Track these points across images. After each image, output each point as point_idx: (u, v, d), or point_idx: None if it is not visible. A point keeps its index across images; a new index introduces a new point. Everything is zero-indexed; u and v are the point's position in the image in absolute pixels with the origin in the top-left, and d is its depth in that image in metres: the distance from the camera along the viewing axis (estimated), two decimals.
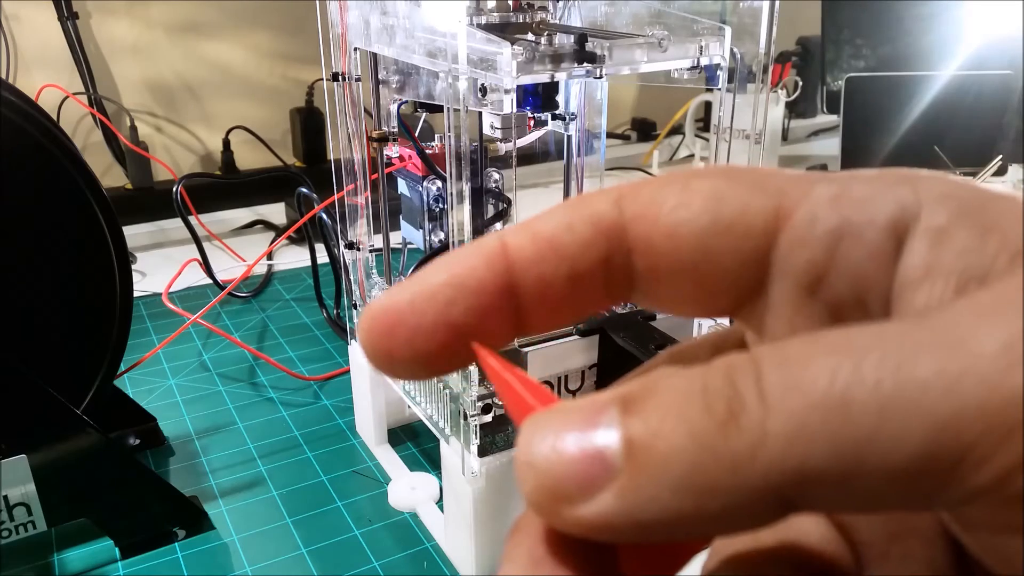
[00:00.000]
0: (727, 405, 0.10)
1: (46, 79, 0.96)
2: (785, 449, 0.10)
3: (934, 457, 0.09)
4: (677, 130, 1.39)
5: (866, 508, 0.10)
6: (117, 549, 0.50)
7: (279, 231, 1.03)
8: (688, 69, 0.44)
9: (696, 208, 0.13)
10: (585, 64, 0.41)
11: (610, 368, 0.48)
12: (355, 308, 0.57)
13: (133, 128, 1.03)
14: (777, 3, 0.43)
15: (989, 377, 0.09)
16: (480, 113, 0.49)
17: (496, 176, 0.56)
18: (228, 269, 0.90)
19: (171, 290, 0.84)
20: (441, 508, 0.52)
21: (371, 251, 0.56)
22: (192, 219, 0.85)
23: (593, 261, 0.13)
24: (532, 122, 0.53)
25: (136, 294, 0.61)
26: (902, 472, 0.10)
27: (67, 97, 0.95)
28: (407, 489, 0.54)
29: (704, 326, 0.51)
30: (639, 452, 0.11)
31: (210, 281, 0.85)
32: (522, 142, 0.52)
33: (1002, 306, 0.10)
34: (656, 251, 0.13)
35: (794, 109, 1.42)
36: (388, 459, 0.59)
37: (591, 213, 0.13)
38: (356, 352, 0.58)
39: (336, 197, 0.55)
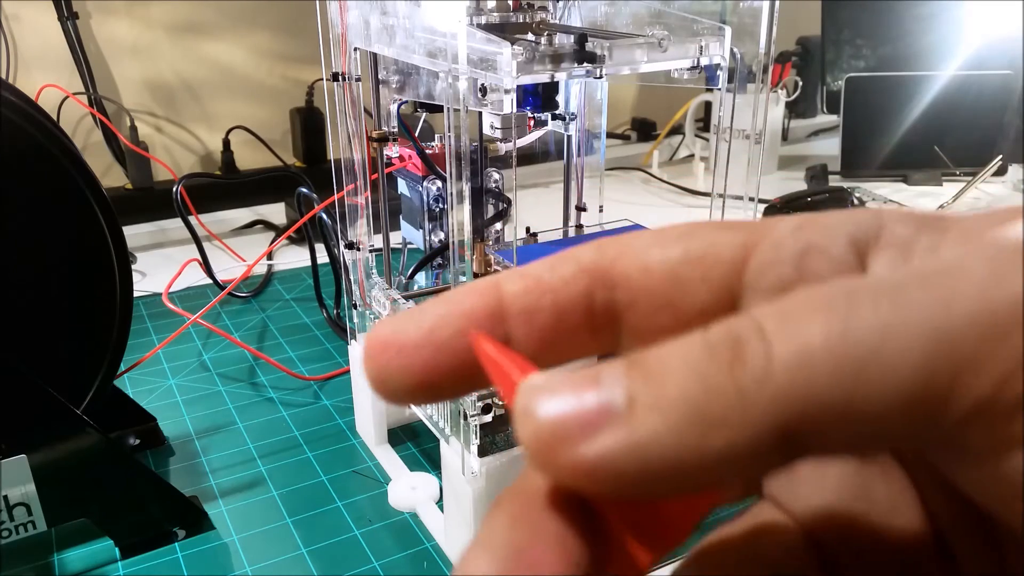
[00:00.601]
0: (731, 348, 0.11)
1: (46, 79, 0.96)
2: (790, 377, 0.10)
3: (935, 370, 0.10)
4: (677, 130, 1.39)
5: (868, 441, 0.10)
6: (117, 549, 0.50)
7: (279, 231, 1.03)
8: (688, 69, 0.44)
9: (668, 245, 0.14)
10: (585, 64, 0.41)
11: None
12: (355, 308, 0.57)
13: (133, 128, 1.03)
14: (777, 3, 0.43)
15: (981, 287, 0.10)
16: (480, 113, 0.49)
17: (496, 176, 0.56)
18: (228, 269, 0.90)
19: (171, 290, 0.84)
20: (441, 508, 0.52)
21: (371, 251, 0.56)
22: (192, 219, 0.85)
23: (576, 294, 0.14)
24: (532, 122, 0.53)
25: (136, 294, 0.61)
26: (905, 389, 0.10)
27: (67, 97, 0.95)
28: (407, 489, 0.54)
29: None
30: (642, 395, 0.11)
31: (210, 281, 0.85)
32: (522, 142, 0.52)
33: (980, 246, 0.11)
34: (633, 285, 0.14)
35: (794, 109, 1.42)
36: (388, 459, 0.59)
37: (574, 256, 0.14)
38: (356, 352, 0.58)
39: (336, 197, 0.55)
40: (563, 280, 0.14)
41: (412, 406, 0.51)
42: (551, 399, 0.11)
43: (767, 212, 0.99)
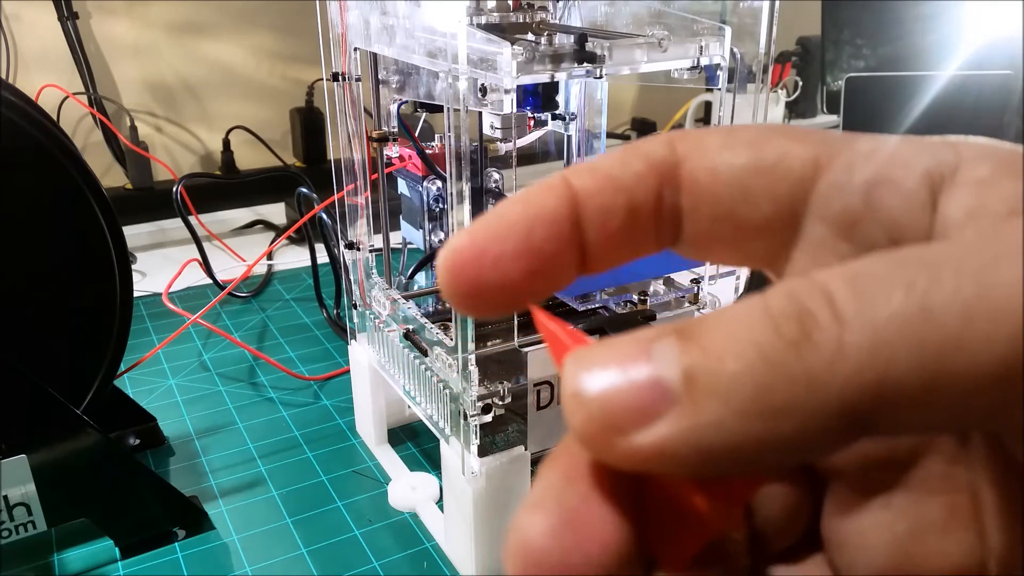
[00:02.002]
0: (798, 324, 0.10)
1: (46, 79, 0.96)
2: (865, 361, 0.09)
3: (1020, 353, 0.09)
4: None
5: (942, 424, 0.10)
6: (117, 549, 0.50)
7: (279, 231, 1.03)
8: (688, 69, 0.44)
9: (738, 150, 0.13)
10: (585, 64, 0.41)
11: None
12: (355, 308, 0.57)
13: (133, 128, 1.03)
14: (777, 3, 0.43)
15: None
16: (480, 113, 0.49)
17: (496, 176, 0.56)
18: (228, 269, 0.90)
19: (171, 290, 0.84)
20: (441, 508, 0.52)
21: (371, 251, 0.56)
22: (192, 219, 0.85)
23: (647, 194, 0.13)
24: (532, 122, 0.53)
25: (136, 294, 0.61)
26: (989, 377, 0.09)
27: (67, 97, 0.95)
28: (407, 489, 0.54)
29: None
30: (702, 376, 0.10)
31: (210, 281, 0.85)
32: (522, 142, 0.52)
33: None
34: (699, 189, 0.13)
35: (794, 109, 1.42)
36: (388, 459, 0.58)
37: (645, 152, 0.14)
38: (356, 352, 0.58)
39: (336, 197, 0.55)
40: (637, 178, 0.13)
41: (411, 407, 0.51)
42: (599, 375, 0.11)
43: None
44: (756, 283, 0.50)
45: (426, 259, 0.57)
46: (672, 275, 0.52)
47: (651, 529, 0.12)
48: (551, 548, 0.11)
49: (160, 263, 0.94)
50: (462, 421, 0.43)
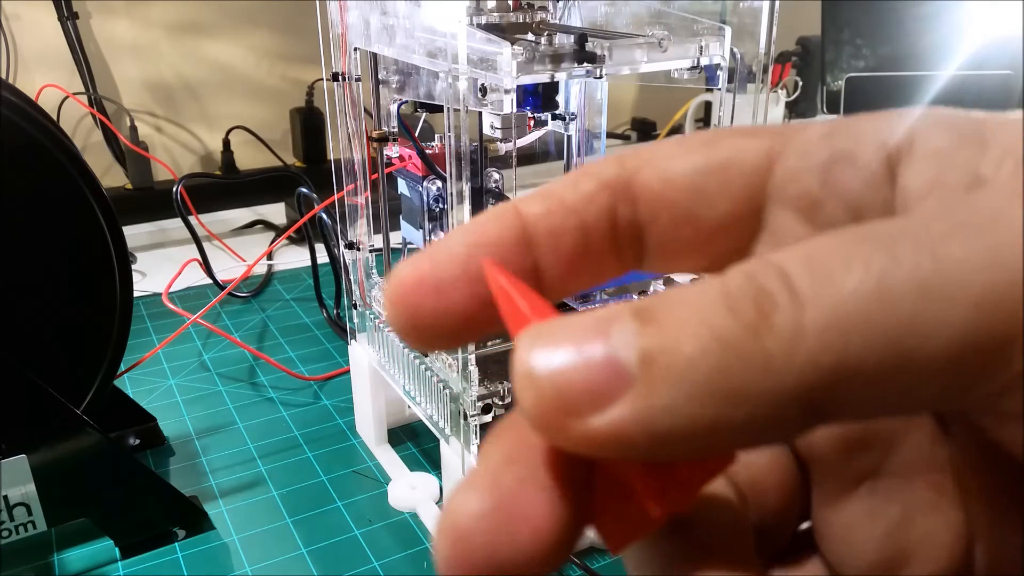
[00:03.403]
0: (755, 305, 0.10)
1: (46, 79, 0.96)
2: (823, 342, 0.09)
3: (979, 335, 0.09)
4: (677, 130, 1.39)
5: (901, 407, 0.10)
6: (117, 549, 0.50)
7: (279, 231, 1.03)
8: (688, 69, 0.44)
9: (689, 154, 0.13)
10: (585, 64, 0.41)
11: None
12: (355, 308, 0.57)
13: (133, 128, 1.03)
14: (777, 3, 0.43)
15: None
16: (480, 113, 0.49)
17: (496, 176, 0.56)
18: (228, 269, 0.90)
19: (171, 290, 0.84)
20: (441, 508, 0.52)
21: (371, 251, 0.56)
22: (192, 219, 0.85)
23: (599, 212, 0.13)
24: (532, 122, 0.53)
25: (136, 294, 0.61)
26: (946, 355, 0.09)
27: (67, 97, 0.95)
28: (407, 489, 0.54)
29: None
30: (658, 357, 0.10)
31: (210, 281, 0.85)
32: (522, 142, 0.52)
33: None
34: (655, 196, 0.13)
35: (794, 109, 1.42)
36: (388, 459, 0.58)
37: (594, 172, 0.14)
38: (356, 352, 0.58)
39: (336, 197, 0.55)
40: (586, 198, 0.13)
41: (411, 407, 0.51)
42: (553, 353, 0.10)
43: None
44: None
45: None
46: (673, 276, 0.52)
47: (596, 509, 0.12)
48: (479, 529, 0.11)
49: (160, 263, 0.94)
50: (462, 421, 0.43)
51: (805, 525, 0.15)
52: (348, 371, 0.63)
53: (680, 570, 0.12)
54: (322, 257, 0.82)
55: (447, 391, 0.46)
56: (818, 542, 0.15)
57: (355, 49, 0.50)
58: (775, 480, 0.14)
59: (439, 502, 0.53)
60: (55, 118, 0.63)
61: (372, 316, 0.55)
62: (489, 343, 0.48)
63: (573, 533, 0.11)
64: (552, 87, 0.50)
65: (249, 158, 1.14)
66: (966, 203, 0.10)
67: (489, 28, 0.44)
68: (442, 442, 0.47)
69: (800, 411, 0.09)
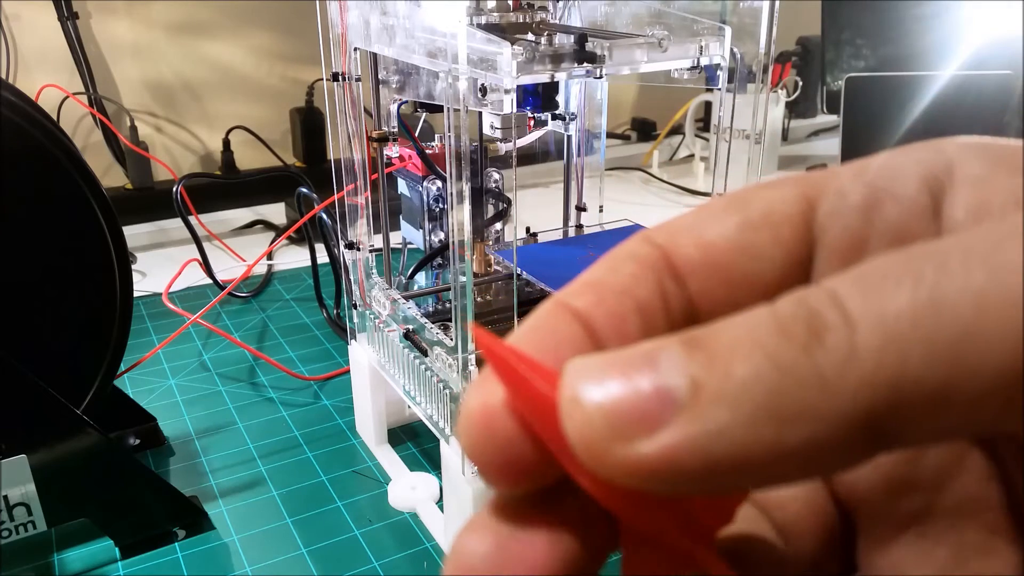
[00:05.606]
0: (806, 327, 0.09)
1: (46, 79, 0.96)
2: (878, 359, 0.09)
3: None
4: (677, 130, 1.39)
5: (963, 425, 0.09)
6: (117, 549, 0.50)
7: (279, 231, 1.03)
8: (688, 69, 0.44)
9: (721, 215, 0.13)
10: (585, 64, 0.41)
11: None
12: (355, 308, 0.57)
13: (133, 128, 1.03)
14: (777, 3, 0.43)
15: None
16: (480, 113, 0.49)
17: (496, 176, 0.56)
18: (228, 269, 0.90)
19: (171, 290, 0.84)
20: (441, 508, 0.52)
21: (371, 251, 0.56)
22: (192, 219, 0.85)
23: (651, 290, 0.12)
24: (532, 122, 0.53)
25: (136, 294, 0.61)
26: (1008, 369, 0.09)
27: (67, 97, 0.95)
28: (407, 489, 0.54)
29: None
30: (709, 380, 0.09)
31: (210, 281, 0.85)
32: (522, 142, 0.52)
33: None
34: (698, 265, 0.13)
35: (794, 109, 1.42)
36: (388, 459, 0.58)
37: (628, 252, 0.13)
38: (356, 352, 0.58)
39: (336, 197, 0.55)
40: (631, 278, 0.12)
41: (411, 407, 0.51)
42: (601, 384, 0.10)
43: None
44: None
45: (426, 259, 0.57)
46: None
47: (625, 552, 0.12)
48: (484, 569, 0.11)
49: (160, 263, 0.94)
50: None
51: None
52: (348, 371, 0.64)
53: None
54: (322, 257, 0.82)
55: (447, 391, 0.46)
56: None
57: (355, 49, 0.50)
58: (810, 525, 0.14)
59: (439, 502, 0.53)
60: (55, 118, 0.63)
61: (372, 316, 0.55)
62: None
63: (581, 568, 0.11)
64: (552, 87, 0.50)
65: (249, 158, 1.14)
66: (1015, 216, 0.10)
67: (489, 28, 0.44)
68: (442, 442, 0.47)
69: (860, 432, 0.09)
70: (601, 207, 0.61)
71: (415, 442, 0.61)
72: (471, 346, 0.42)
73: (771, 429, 0.09)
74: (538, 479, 0.12)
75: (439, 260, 0.57)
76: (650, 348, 0.10)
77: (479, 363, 0.43)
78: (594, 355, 0.10)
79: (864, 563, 0.14)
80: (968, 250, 0.09)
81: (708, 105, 1.36)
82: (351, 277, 0.57)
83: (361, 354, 0.57)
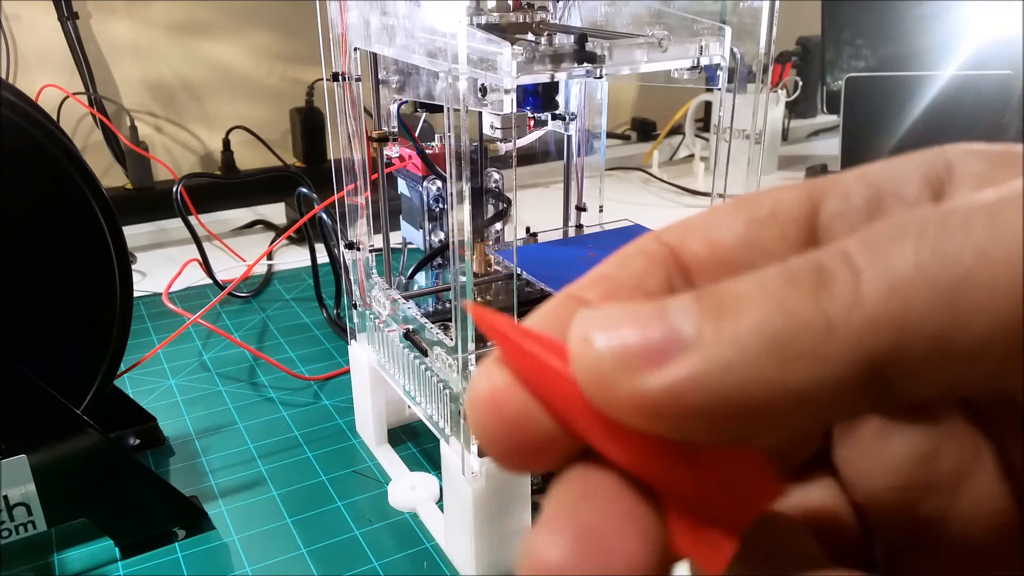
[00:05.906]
0: (815, 276, 0.10)
1: (46, 79, 0.96)
2: (882, 304, 0.09)
3: None
4: (677, 130, 1.39)
5: (961, 376, 0.10)
6: (117, 549, 0.50)
7: (279, 231, 1.03)
8: (688, 69, 0.44)
9: (728, 215, 0.13)
10: (585, 64, 0.41)
11: None
12: (355, 308, 0.57)
13: (133, 128, 1.03)
14: (777, 3, 0.43)
15: None
16: (480, 113, 0.49)
17: (496, 176, 0.56)
18: (228, 269, 0.90)
19: (171, 290, 0.84)
20: (441, 508, 0.52)
21: (371, 251, 0.56)
22: (192, 219, 0.85)
23: (660, 285, 0.13)
24: (532, 122, 0.53)
25: (136, 294, 0.61)
26: (1006, 313, 0.09)
27: (67, 97, 0.95)
28: (407, 489, 0.54)
29: None
30: (718, 321, 0.10)
31: (210, 281, 0.85)
32: (522, 142, 0.52)
33: None
34: (706, 262, 0.13)
35: (794, 109, 1.42)
36: (388, 459, 0.58)
37: (637, 249, 0.13)
38: (356, 352, 0.58)
39: (336, 197, 0.55)
40: (641, 272, 0.13)
41: (411, 407, 0.51)
42: (612, 327, 0.10)
43: None
44: None
45: (426, 259, 0.57)
46: None
47: (676, 537, 0.12)
48: (570, 567, 0.10)
49: (160, 263, 0.94)
50: (462, 421, 0.43)
51: None
52: (348, 371, 0.64)
53: None
54: (322, 257, 0.82)
55: (447, 391, 0.46)
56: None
57: (355, 49, 0.50)
58: (832, 527, 0.14)
59: (439, 502, 0.53)
60: (55, 118, 0.63)
61: (372, 316, 0.55)
62: (489, 343, 0.48)
63: (666, 559, 0.11)
64: (552, 87, 0.50)
65: (249, 158, 1.14)
66: (1016, 181, 0.10)
67: (489, 28, 0.44)
68: (442, 442, 0.47)
69: (864, 377, 0.09)
70: (601, 207, 0.61)
71: (415, 442, 0.61)
72: (471, 346, 0.42)
73: (775, 368, 0.09)
74: (549, 457, 0.12)
75: (439, 260, 0.57)
76: (663, 302, 0.10)
77: (478, 363, 0.43)
78: (605, 306, 0.11)
79: (884, 567, 0.14)
80: (970, 211, 0.10)
81: (708, 105, 1.36)
82: (351, 277, 0.57)
83: (361, 354, 0.57)
